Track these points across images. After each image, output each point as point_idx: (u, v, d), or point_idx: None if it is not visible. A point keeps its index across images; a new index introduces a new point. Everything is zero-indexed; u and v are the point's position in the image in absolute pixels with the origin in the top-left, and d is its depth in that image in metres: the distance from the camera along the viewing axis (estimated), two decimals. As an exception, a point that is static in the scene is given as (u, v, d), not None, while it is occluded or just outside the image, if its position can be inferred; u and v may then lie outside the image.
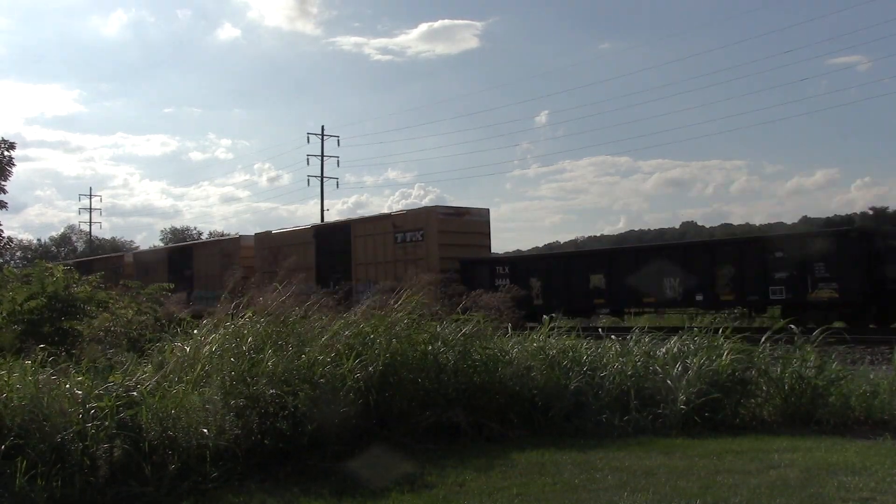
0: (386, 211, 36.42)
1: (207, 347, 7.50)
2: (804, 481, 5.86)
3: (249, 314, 8.15)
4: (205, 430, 6.26)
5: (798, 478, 5.97)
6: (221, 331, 7.80)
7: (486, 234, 27.03)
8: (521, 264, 25.04)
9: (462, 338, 8.56)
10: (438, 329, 8.71)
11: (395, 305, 8.93)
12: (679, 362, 8.57)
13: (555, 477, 6.26)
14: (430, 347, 8.25)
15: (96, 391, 6.25)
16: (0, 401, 6.04)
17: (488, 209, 27.33)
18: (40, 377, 6.43)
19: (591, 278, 22.13)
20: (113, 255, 54.39)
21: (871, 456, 6.66)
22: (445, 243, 25.37)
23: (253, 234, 33.70)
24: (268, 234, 33.05)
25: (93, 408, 6.06)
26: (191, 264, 35.82)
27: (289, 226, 33.91)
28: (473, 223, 26.64)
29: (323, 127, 57.32)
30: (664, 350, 9.04)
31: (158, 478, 5.86)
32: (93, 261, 48.59)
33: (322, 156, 56.54)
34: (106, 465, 5.81)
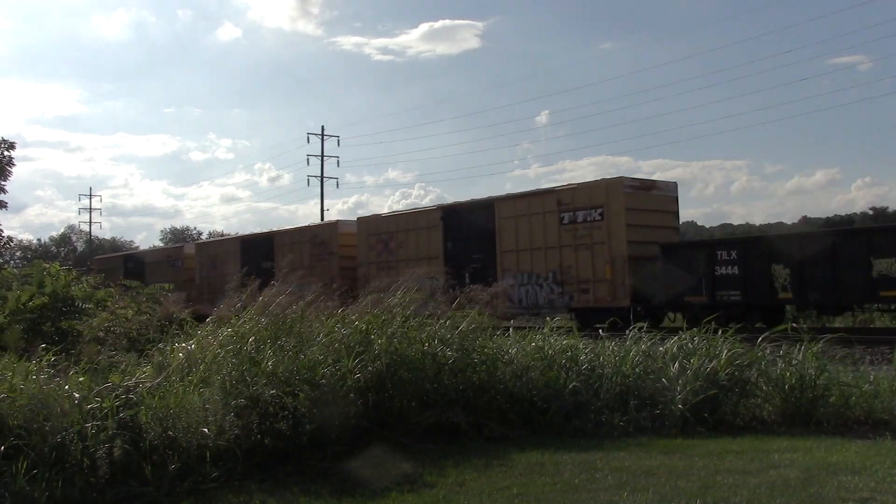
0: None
1: (210, 349, 7.48)
2: (804, 481, 5.86)
3: (250, 314, 8.13)
4: (205, 430, 6.25)
5: (798, 478, 5.97)
6: (222, 331, 7.79)
7: (675, 214, 22.16)
8: (758, 247, 19.16)
9: (459, 335, 8.51)
10: (436, 326, 8.67)
11: (391, 302, 8.87)
12: (678, 362, 8.58)
13: (555, 477, 6.26)
14: (426, 346, 8.22)
15: (96, 391, 6.25)
16: (4, 401, 6.03)
17: (675, 182, 22.27)
18: (42, 377, 6.44)
19: (873, 263, 17.18)
20: (171, 246, 48.97)
21: (871, 456, 6.66)
22: (633, 224, 20.70)
23: (355, 218, 29.41)
24: (376, 217, 28.66)
25: (93, 408, 6.06)
26: (272, 255, 30.11)
27: (404, 209, 29.53)
28: (662, 199, 21.69)
29: (323, 127, 57.40)
30: (663, 350, 9.04)
31: (158, 478, 5.85)
32: (145, 253, 43.83)
33: (322, 156, 56.61)
34: (106, 465, 5.80)
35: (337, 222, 29.55)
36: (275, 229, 32.91)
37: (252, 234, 35.97)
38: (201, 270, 35.69)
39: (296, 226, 32.46)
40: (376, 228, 27.83)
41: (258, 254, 31.37)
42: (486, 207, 24.48)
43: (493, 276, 22.50)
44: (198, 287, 34.90)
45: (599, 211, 21.08)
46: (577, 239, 21.48)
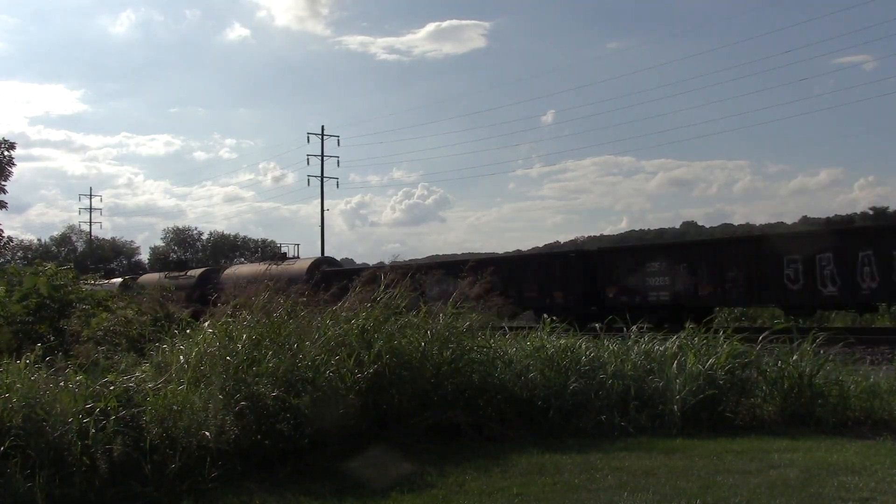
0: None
1: (199, 347, 7.42)
2: (804, 481, 5.86)
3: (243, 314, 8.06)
4: (207, 434, 6.21)
5: (798, 478, 5.97)
6: (212, 330, 7.70)
7: None
8: None
9: (455, 334, 8.45)
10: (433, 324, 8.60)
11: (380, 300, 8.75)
12: (678, 362, 8.57)
13: (555, 477, 6.26)
14: (422, 344, 8.16)
15: (94, 390, 6.25)
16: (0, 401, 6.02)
17: None
18: (38, 376, 6.42)
19: None
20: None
21: (871, 456, 6.66)
22: None
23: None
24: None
25: (93, 407, 6.05)
26: None
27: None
28: None
29: (323, 127, 57.23)
30: (663, 350, 9.03)
31: (158, 478, 5.85)
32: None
33: (322, 155, 56.56)
34: (106, 464, 5.80)
35: None
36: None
37: None
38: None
39: None
40: None
41: None
42: None
43: None
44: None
45: None
46: None
